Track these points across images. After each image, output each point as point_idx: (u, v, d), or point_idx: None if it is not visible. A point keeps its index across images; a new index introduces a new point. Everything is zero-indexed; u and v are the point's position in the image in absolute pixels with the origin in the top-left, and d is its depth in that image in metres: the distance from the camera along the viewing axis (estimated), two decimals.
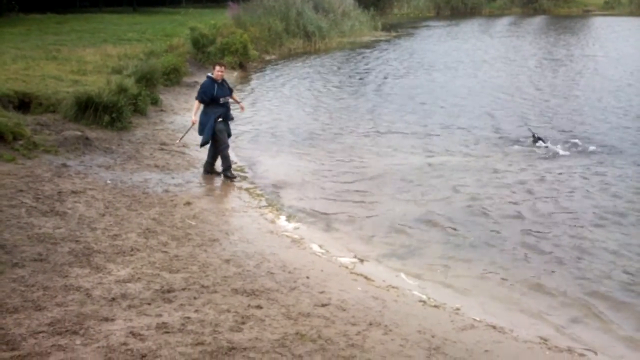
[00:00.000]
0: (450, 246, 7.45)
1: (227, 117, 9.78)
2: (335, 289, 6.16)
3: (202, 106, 9.62)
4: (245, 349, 4.77)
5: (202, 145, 9.79)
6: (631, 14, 49.92)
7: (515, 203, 8.87)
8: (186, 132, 10.03)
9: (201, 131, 9.62)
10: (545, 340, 5.44)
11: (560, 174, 10.19)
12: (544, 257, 7.14)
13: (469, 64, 23.60)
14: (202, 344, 4.76)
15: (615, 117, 14.52)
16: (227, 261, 6.59)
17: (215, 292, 5.77)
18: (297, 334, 5.12)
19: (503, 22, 46.09)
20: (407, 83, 19.50)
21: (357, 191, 9.41)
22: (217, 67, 9.59)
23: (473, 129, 13.48)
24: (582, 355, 5.22)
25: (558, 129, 13.37)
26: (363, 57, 25.81)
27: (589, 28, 40.52)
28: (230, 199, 8.95)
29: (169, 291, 5.67)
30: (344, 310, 5.72)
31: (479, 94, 17.74)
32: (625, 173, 10.19)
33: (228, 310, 5.40)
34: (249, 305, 5.55)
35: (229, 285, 5.95)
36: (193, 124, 9.46)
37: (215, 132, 9.48)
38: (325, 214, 8.50)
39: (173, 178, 9.51)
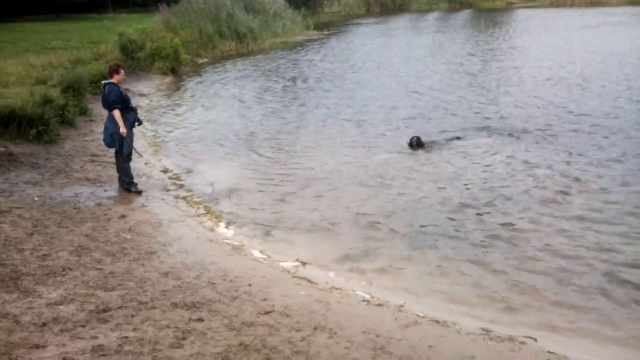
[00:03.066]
0: (391, 244, 7.47)
1: (140, 122, 9.31)
2: (279, 295, 6.08)
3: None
4: None
5: (128, 157, 9.11)
6: (552, 5, 51.99)
7: (444, 198, 8.99)
8: (134, 148, 9.26)
9: (114, 141, 8.92)
10: (488, 331, 5.53)
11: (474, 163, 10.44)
12: (481, 249, 7.26)
13: (394, 61, 23.84)
14: None
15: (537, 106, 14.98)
16: (166, 274, 6.39)
17: (154, 308, 5.59)
18: (241, 345, 5.00)
19: (431, 18, 47.04)
20: (338, 83, 19.53)
21: (296, 194, 9.34)
22: (122, 71, 8.94)
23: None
24: (523, 343, 5.32)
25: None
26: (294, 58, 25.75)
27: (513, 20, 41.85)
28: (167, 209, 8.70)
29: (104, 311, 5.45)
30: (288, 316, 5.64)
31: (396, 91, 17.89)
32: (550, 157, 10.52)
33: (168, 327, 5.23)
34: (190, 319, 5.39)
35: (168, 300, 5.77)
36: (125, 135, 8.83)
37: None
38: (266, 218, 8.39)
39: (106, 191, 9.18)
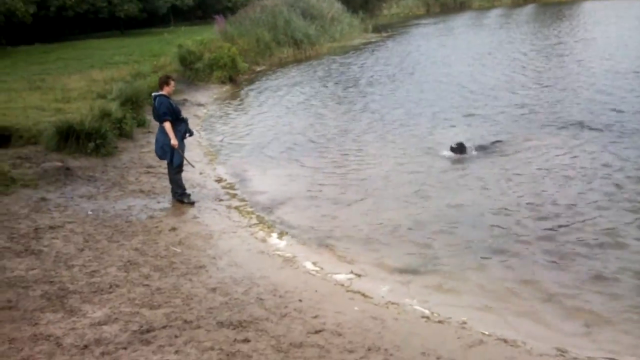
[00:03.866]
0: (449, 256, 6.93)
1: (191, 133, 9.13)
2: (331, 312, 5.68)
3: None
4: None
5: (179, 168, 8.92)
6: None
7: (503, 208, 8.33)
8: (185, 159, 9.11)
9: (164, 153, 8.76)
10: (563, 351, 4.94)
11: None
12: (545, 262, 6.62)
13: (451, 60, 23.00)
14: None
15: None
16: (214, 290, 6.12)
17: (199, 327, 5.31)
18: None
19: (492, 15, 45.56)
20: (392, 86, 18.96)
21: (349, 203, 8.91)
22: (172, 83, 8.76)
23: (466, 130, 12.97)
24: None
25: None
26: (349, 62, 25.33)
27: (581, 13, 39.91)
28: (219, 219, 8.47)
29: (148, 331, 5.21)
30: (340, 335, 5.24)
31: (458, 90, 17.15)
32: (619, 158, 9.64)
33: (212, 348, 4.93)
34: (235, 340, 5.08)
35: (214, 318, 5.48)
36: (177, 147, 8.65)
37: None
38: (319, 228, 8.02)
39: (159, 202, 9.06)
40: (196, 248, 7.34)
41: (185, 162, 8.96)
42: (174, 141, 8.57)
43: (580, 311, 5.57)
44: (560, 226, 7.44)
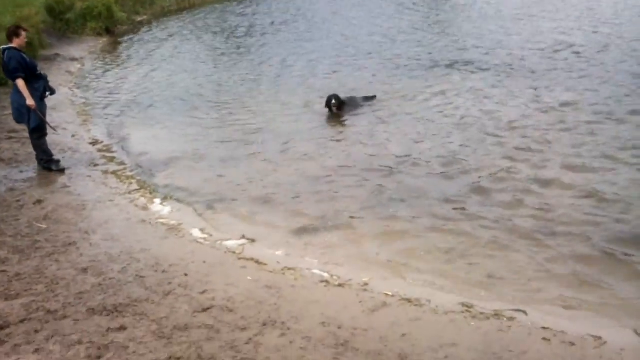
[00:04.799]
0: (350, 212, 6.53)
1: (52, 91, 7.90)
2: (220, 285, 5.10)
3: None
4: None
5: (40, 132, 7.75)
6: None
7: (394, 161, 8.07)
8: (45, 122, 7.89)
9: (21, 115, 7.61)
10: (469, 307, 4.68)
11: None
12: (447, 213, 6.40)
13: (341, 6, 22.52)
14: None
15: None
16: (85, 270, 5.33)
17: (65, 317, 4.55)
18: (170, 358, 4.03)
19: None
20: (282, 37, 18.20)
21: (241, 161, 8.26)
22: (23, 33, 7.53)
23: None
24: (511, 319, 4.48)
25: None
26: (241, 10, 24.11)
27: None
28: (93, 187, 7.54)
29: (2, 328, 4.39)
30: (231, 311, 4.68)
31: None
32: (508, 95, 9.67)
33: (80, 342, 4.22)
34: (108, 329, 4.38)
35: (84, 305, 4.73)
36: (34, 108, 7.48)
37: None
38: (207, 191, 7.34)
39: (22, 172, 7.96)
40: (65, 222, 6.44)
41: (49, 126, 7.85)
42: (29, 101, 7.41)
43: (483, 265, 5.34)
44: (451, 175, 7.25)
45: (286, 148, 8.60)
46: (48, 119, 8.00)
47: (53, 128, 8.19)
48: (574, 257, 5.32)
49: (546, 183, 6.78)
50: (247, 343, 4.23)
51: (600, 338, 4.09)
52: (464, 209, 6.36)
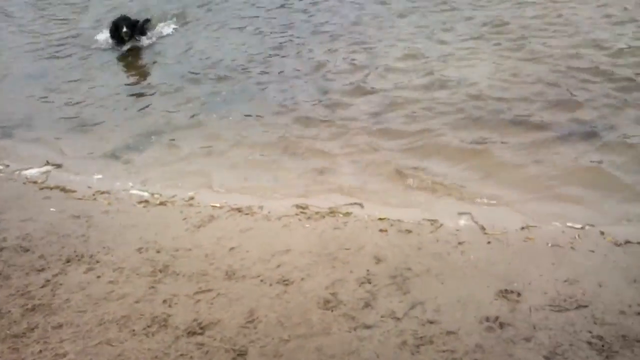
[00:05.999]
0: (168, 125, 5.81)
1: None
2: (15, 222, 4.26)
3: None
4: None
5: None
6: None
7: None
8: None
9: None
10: (303, 208, 4.26)
11: None
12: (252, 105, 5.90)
13: None
14: None
15: None
16: None
17: None
18: None
19: None
20: None
21: (42, 79, 7.07)
22: None
23: None
24: (347, 214, 4.13)
25: None
26: None
27: None
28: None
29: None
30: (27, 251, 3.90)
31: None
32: None
33: None
34: None
35: None
36: None
37: None
38: (7, 115, 6.20)
39: None
40: None
41: None
42: None
43: (315, 156, 4.94)
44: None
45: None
46: None
47: None
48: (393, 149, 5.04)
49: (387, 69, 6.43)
50: (43, 286, 3.52)
51: (436, 221, 3.86)
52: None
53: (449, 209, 4.03)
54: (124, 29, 7.71)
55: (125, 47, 7.87)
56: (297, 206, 4.28)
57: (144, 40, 8.04)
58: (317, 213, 4.17)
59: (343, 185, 4.56)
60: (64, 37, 8.44)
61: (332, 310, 3.12)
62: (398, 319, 2.99)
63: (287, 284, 3.38)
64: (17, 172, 5.08)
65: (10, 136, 5.81)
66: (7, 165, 5.21)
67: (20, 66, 7.58)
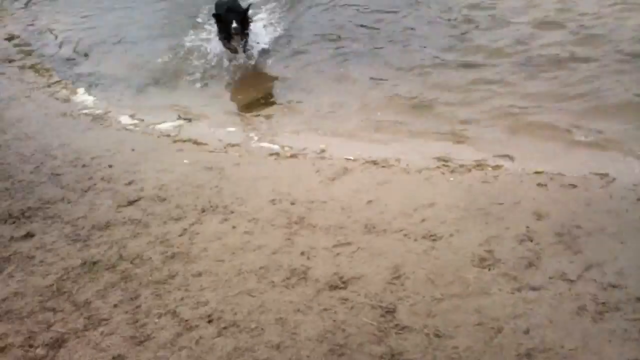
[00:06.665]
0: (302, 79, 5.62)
1: None
2: (151, 173, 4.26)
3: None
4: None
5: None
6: None
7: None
8: None
9: None
10: (447, 161, 3.90)
11: None
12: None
13: None
14: None
15: None
16: None
17: None
18: (84, 264, 3.27)
19: None
20: None
21: (171, 35, 7.10)
22: None
23: None
24: (498, 167, 3.73)
25: None
26: None
27: None
28: (7, 85, 6.46)
29: None
30: (164, 200, 3.88)
31: None
32: None
33: None
34: (11, 239, 3.59)
35: None
36: None
37: None
38: (138, 75, 6.29)
39: None
40: None
41: None
42: None
43: (455, 115, 4.54)
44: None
45: None
46: None
47: None
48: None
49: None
50: (181, 235, 3.46)
51: (606, 175, 3.36)
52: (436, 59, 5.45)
53: (620, 164, 3.50)
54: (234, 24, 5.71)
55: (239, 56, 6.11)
56: (439, 159, 3.94)
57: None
58: (461, 166, 3.80)
59: (486, 139, 4.15)
60: None
61: (489, 269, 2.78)
62: (571, 281, 2.59)
63: (434, 240, 3.07)
64: (152, 126, 5.11)
65: (144, 92, 5.89)
66: (142, 120, 5.26)
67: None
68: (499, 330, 2.41)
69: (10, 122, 5.50)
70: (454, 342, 2.39)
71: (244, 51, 5.99)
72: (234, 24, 5.72)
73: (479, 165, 3.78)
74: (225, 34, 5.90)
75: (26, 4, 9.81)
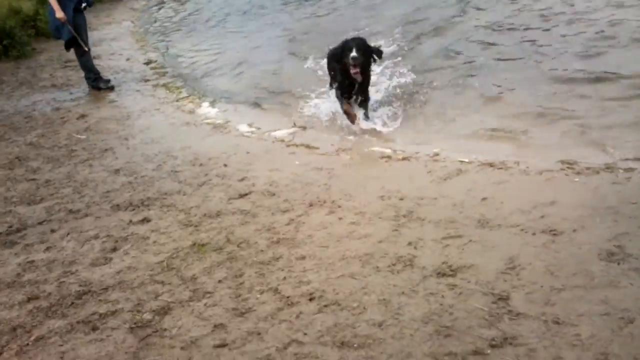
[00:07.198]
0: (405, 95, 5.52)
1: (88, 2, 7.15)
2: (263, 171, 4.34)
3: None
4: (105, 289, 3.02)
5: (69, 47, 7.24)
6: None
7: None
8: (76, 36, 7.33)
9: (57, 30, 7.04)
10: (572, 164, 3.61)
11: None
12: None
13: None
14: (36, 298, 3.01)
15: None
16: (117, 172, 4.75)
17: (87, 215, 3.98)
18: (193, 245, 3.35)
19: None
20: None
21: (285, 63, 7.32)
22: None
23: None
24: (629, 169, 3.39)
25: None
26: None
27: None
28: (141, 99, 6.97)
29: (18, 230, 3.88)
30: (273, 195, 3.91)
31: None
32: None
33: (96, 237, 3.62)
34: (130, 222, 3.76)
35: (110, 202, 4.15)
36: (64, 20, 6.86)
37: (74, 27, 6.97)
38: (256, 92, 6.51)
39: (71, 94, 7.52)
40: (106, 132, 5.90)
41: (80, 41, 7.14)
42: (59, 14, 6.79)
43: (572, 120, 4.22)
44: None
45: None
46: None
47: (84, 43, 7.39)
48: None
49: None
50: (287, 224, 3.46)
51: None
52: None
53: None
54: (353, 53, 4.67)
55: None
56: (562, 162, 3.65)
57: None
58: (588, 169, 3.50)
59: (617, 144, 3.80)
60: None
61: (618, 263, 2.49)
62: None
63: (555, 234, 2.82)
64: (267, 133, 5.23)
65: (262, 106, 6.07)
66: (259, 128, 5.41)
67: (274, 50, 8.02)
68: (630, 320, 2.12)
69: (139, 129, 5.88)
70: (576, 329, 2.14)
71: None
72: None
73: (609, 167, 3.46)
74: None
75: (165, 35, 10.65)
